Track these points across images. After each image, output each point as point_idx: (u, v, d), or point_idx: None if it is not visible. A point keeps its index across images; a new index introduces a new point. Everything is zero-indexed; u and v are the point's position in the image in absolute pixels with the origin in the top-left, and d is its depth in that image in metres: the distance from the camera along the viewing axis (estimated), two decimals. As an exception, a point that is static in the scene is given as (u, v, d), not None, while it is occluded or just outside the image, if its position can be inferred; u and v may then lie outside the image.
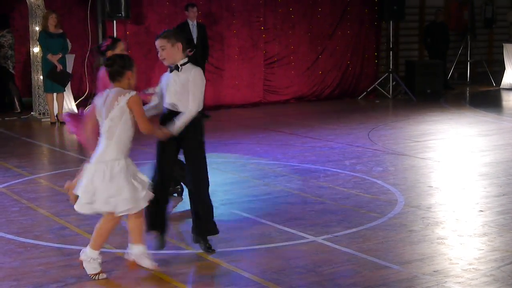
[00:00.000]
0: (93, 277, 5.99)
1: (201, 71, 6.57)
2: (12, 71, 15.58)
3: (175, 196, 8.72)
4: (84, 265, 6.01)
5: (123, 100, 5.85)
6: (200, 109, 6.53)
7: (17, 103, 15.79)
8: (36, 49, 14.78)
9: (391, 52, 18.97)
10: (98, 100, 6.03)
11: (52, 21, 13.91)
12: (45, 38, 13.92)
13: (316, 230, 7.31)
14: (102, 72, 7.31)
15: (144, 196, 6.03)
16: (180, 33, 6.81)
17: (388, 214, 7.91)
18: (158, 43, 6.50)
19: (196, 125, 6.53)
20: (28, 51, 15.24)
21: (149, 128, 6.08)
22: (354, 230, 7.33)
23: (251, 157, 11.07)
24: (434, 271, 6.14)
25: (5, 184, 9.40)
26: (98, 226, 6.07)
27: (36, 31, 14.61)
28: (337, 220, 7.66)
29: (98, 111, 6.02)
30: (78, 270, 6.18)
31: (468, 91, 20.04)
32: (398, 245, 6.88)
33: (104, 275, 6.03)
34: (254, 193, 8.93)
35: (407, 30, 21.22)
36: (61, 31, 14.23)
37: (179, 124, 6.38)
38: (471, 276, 6.02)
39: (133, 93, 5.92)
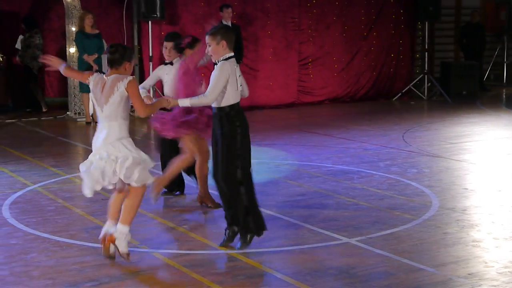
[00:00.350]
0: (125, 257, 6.22)
1: (226, 64, 6.65)
2: (36, 72, 15.68)
3: (177, 194, 8.84)
4: (117, 243, 6.21)
5: (121, 85, 6.14)
6: (231, 103, 6.75)
7: (41, 102, 15.95)
8: (72, 50, 14.94)
9: (426, 53, 18.87)
10: (95, 87, 6.27)
11: (88, 21, 14.02)
12: (81, 39, 14.04)
13: (349, 231, 7.30)
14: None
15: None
16: (228, 30, 6.88)
17: (423, 216, 7.86)
18: (206, 39, 6.72)
19: (228, 119, 6.72)
20: (64, 51, 15.40)
21: (146, 111, 6.36)
22: (388, 232, 7.31)
23: (285, 158, 11.08)
24: (469, 274, 6.10)
25: (41, 183, 9.50)
26: (127, 203, 6.30)
27: (73, 31, 14.77)
28: (371, 222, 7.63)
29: (95, 97, 6.29)
30: (113, 269, 6.26)
31: (504, 93, 19.85)
32: (433, 247, 6.84)
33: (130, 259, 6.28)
34: (288, 194, 8.93)
35: (442, 31, 21.03)
36: (97, 31, 14.34)
37: (188, 101, 6.72)
38: (506, 280, 5.97)
39: (130, 77, 6.23)
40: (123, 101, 6.17)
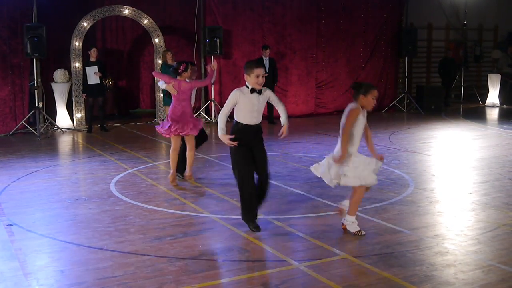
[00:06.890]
0: (356, 234, 6.00)
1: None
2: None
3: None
4: (348, 227, 6.05)
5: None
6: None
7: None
8: (158, 76, 15.01)
9: (406, 79, 18.70)
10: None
11: (169, 56, 14.09)
12: (164, 68, 14.11)
13: (351, 204, 7.26)
14: None
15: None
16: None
17: (403, 194, 7.80)
18: (260, 71, 6.12)
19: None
20: (153, 78, 15.52)
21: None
22: (378, 204, 7.26)
23: (305, 152, 11.04)
24: (435, 235, 6.04)
25: (136, 168, 9.60)
26: (351, 199, 6.06)
27: (159, 63, 14.86)
28: (366, 198, 7.51)
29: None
30: (185, 228, 6.28)
31: (461, 108, 19.57)
32: (409, 216, 6.78)
33: (363, 232, 6.05)
34: (307, 177, 8.89)
35: (418, 63, 20.82)
36: (175, 63, 14.37)
37: None
38: (462, 239, 5.91)
39: (353, 105, 6.37)
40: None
